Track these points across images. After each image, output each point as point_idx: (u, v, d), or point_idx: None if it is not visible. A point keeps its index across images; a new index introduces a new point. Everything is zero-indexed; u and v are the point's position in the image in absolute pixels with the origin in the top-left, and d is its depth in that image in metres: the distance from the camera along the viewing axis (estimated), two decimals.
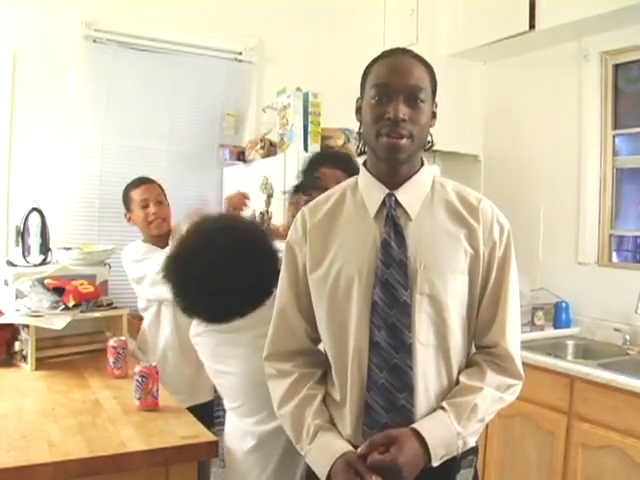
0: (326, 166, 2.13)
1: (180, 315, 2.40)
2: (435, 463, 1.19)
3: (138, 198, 2.56)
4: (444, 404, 1.25)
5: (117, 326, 2.48)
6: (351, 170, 2.03)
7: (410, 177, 1.32)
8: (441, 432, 1.21)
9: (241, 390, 1.63)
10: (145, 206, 2.55)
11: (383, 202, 1.30)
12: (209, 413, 2.50)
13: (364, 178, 1.35)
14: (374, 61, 1.32)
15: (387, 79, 1.26)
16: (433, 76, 1.32)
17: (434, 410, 1.25)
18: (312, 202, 1.41)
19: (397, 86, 1.25)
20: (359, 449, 1.19)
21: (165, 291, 2.25)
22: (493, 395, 1.27)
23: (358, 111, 1.35)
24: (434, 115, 1.34)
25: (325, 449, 1.25)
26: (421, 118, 1.26)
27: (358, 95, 1.35)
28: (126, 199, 2.62)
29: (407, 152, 1.27)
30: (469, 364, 1.32)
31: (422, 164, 1.35)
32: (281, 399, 1.35)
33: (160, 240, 2.56)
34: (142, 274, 2.43)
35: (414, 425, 1.21)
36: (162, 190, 2.64)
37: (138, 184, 2.60)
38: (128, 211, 2.62)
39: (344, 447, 1.24)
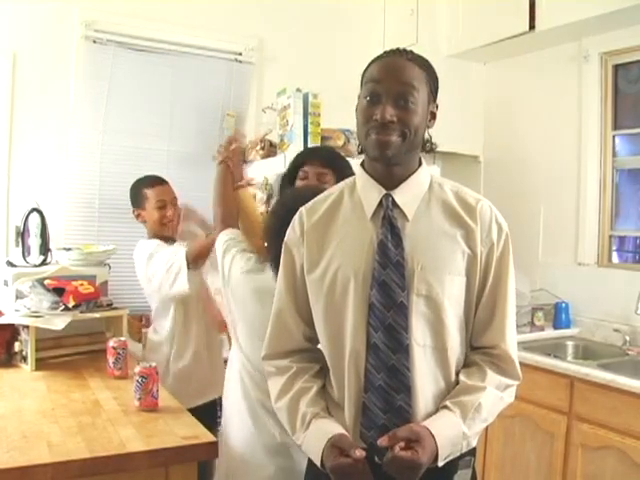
0: (311, 162, 2.03)
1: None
2: (440, 463, 1.19)
3: (155, 198, 2.54)
4: (448, 403, 1.24)
5: (117, 326, 2.48)
6: (339, 168, 2.01)
7: (407, 177, 1.31)
8: (449, 432, 1.20)
9: None
10: (162, 207, 2.53)
11: (380, 203, 1.30)
12: (212, 414, 2.50)
13: (361, 178, 1.35)
14: (372, 61, 1.32)
15: (378, 79, 1.26)
16: (432, 76, 1.31)
17: (436, 409, 1.25)
18: (310, 202, 1.40)
19: (387, 86, 1.25)
20: (380, 440, 1.17)
21: (184, 280, 2.31)
22: (495, 395, 1.27)
23: (357, 109, 1.34)
24: (433, 116, 1.32)
25: (318, 435, 1.25)
26: (411, 119, 1.25)
27: (358, 95, 1.35)
28: (138, 196, 2.58)
29: (396, 150, 1.25)
30: (467, 364, 1.32)
31: (420, 164, 1.35)
32: (278, 393, 1.35)
33: (167, 240, 2.58)
34: (168, 262, 2.36)
35: (426, 424, 1.21)
36: (174, 192, 2.63)
37: (154, 183, 2.58)
38: (138, 208, 2.58)
39: (334, 430, 1.24)
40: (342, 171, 1.99)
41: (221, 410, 2.71)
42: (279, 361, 1.38)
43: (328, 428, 1.25)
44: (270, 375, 1.40)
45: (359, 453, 1.17)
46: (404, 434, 1.17)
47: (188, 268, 2.32)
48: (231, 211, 2.02)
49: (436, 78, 1.33)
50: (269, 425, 1.71)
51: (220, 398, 2.60)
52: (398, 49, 1.32)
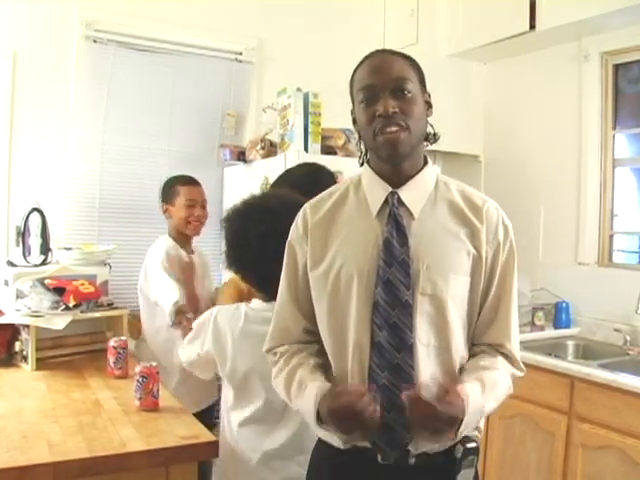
0: None
1: None
2: (459, 433, 1.18)
3: (186, 196, 2.61)
4: (466, 379, 1.23)
5: (117, 326, 2.48)
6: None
7: (413, 175, 1.31)
8: (474, 401, 1.18)
9: None
10: (191, 206, 2.60)
11: (386, 200, 1.29)
12: (210, 415, 2.51)
13: (367, 176, 1.35)
14: (356, 68, 1.33)
15: (370, 80, 1.27)
16: (417, 67, 1.32)
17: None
18: (314, 199, 1.40)
19: (381, 83, 1.25)
20: (417, 390, 1.15)
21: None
22: (506, 378, 1.28)
23: (354, 122, 1.35)
24: (429, 105, 1.34)
25: (313, 390, 1.23)
26: (412, 109, 1.26)
27: (351, 110, 1.36)
28: (170, 192, 2.64)
29: (407, 144, 1.26)
30: (474, 354, 1.31)
31: (426, 162, 1.35)
32: (277, 371, 1.36)
33: (188, 239, 2.66)
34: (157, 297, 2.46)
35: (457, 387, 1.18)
36: (205, 194, 2.71)
37: (188, 182, 2.66)
38: (167, 203, 2.65)
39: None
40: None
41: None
42: (279, 348, 1.39)
43: (326, 386, 1.24)
44: (273, 362, 1.39)
45: (360, 389, 1.15)
46: (449, 388, 1.16)
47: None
48: None
49: (420, 68, 1.34)
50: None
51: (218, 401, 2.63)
52: (378, 49, 1.34)
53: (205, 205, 2.68)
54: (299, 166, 2.42)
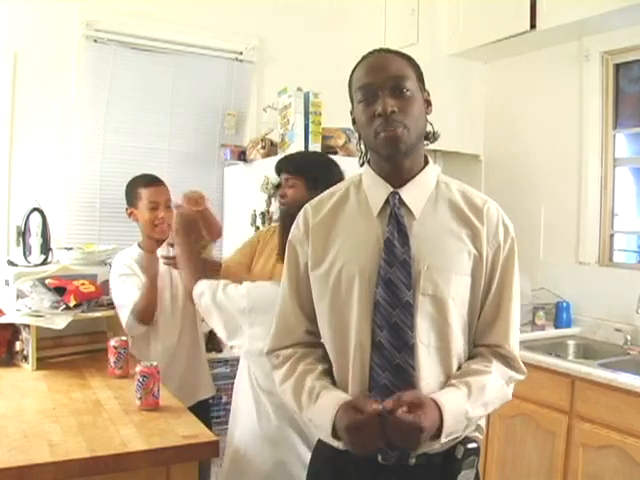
0: (284, 172, 2.06)
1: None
2: (443, 439, 1.18)
3: (147, 199, 2.44)
4: (454, 382, 1.23)
5: (118, 326, 2.48)
6: (307, 175, 1.97)
7: (414, 175, 1.31)
8: (454, 407, 1.19)
9: None
10: (154, 209, 2.44)
11: (387, 200, 1.29)
12: (206, 412, 2.50)
13: (368, 176, 1.35)
14: (354, 68, 1.33)
15: (368, 79, 1.27)
16: (415, 66, 1.32)
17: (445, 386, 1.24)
18: (315, 199, 1.40)
19: (379, 82, 1.26)
20: (385, 402, 1.15)
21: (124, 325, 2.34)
22: (499, 382, 1.27)
23: (354, 122, 1.35)
24: (429, 103, 1.33)
25: (329, 402, 1.22)
26: (411, 107, 1.26)
27: (350, 111, 1.36)
28: (132, 195, 2.49)
29: (407, 142, 1.25)
30: (471, 357, 1.31)
31: (427, 162, 1.35)
32: (283, 376, 1.35)
33: (158, 242, 2.52)
34: (119, 304, 2.40)
35: (432, 396, 1.19)
36: (169, 193, 2.55)
37: (149, 183, 2.47)
38: (131, 207, 2.49)
39: (347, 398, 1.22)
40: (312, 177, 1.97)
41: (220, 410, 2.75)
42: (283, 351, 1.38)
43: (341, 395, 1.24)
44: (275, 365, 1.39)
45: (376, 406, 1.14)
46: (408, 398, 1.15)
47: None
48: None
49: (419, 67, 1.34)
50: (267, 406, 1.75)
51: (208, 400, 2.62)
52: (375, 49, 1.34)
53: (169, 205, 2.44)
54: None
